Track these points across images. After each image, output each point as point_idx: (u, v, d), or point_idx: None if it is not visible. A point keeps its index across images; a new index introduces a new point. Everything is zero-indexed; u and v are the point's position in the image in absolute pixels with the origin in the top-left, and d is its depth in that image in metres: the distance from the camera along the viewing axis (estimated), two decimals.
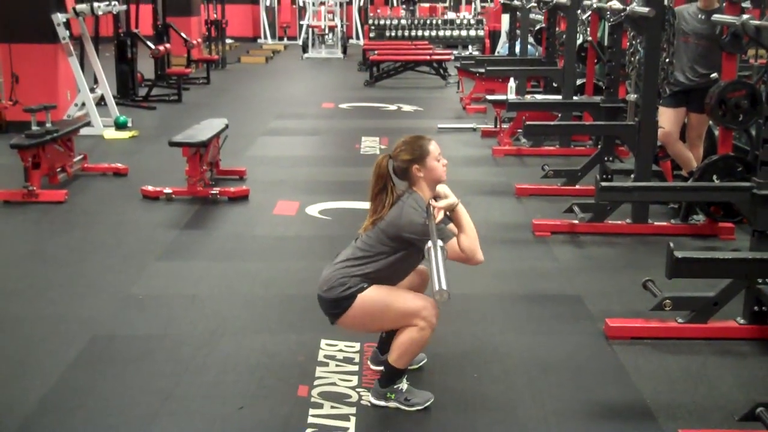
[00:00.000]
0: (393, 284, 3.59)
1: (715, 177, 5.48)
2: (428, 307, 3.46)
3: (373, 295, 3.46)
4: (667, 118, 6.23)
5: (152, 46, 12.62)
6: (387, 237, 3.48)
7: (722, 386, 3.83)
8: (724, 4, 5.72)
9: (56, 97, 9.33)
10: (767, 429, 3.09)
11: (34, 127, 7.03)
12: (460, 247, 3.42)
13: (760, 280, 4.20)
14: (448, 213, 3.51)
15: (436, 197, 3.54)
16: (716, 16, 5.38)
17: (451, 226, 3.53)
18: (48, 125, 7.23)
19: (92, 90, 10.29)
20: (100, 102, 10.47)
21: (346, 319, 3.52)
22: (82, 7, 9.78)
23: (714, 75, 5.90)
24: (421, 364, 3.93)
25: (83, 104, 9.81)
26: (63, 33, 9.47)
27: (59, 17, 9.41)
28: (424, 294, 3.64)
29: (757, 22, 4.37)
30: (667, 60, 5.95)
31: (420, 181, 3.56)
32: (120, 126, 9.97)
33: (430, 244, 3.19)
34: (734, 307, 4.34)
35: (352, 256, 3.53)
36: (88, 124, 9.07)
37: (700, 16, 6.08)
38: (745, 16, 4.57)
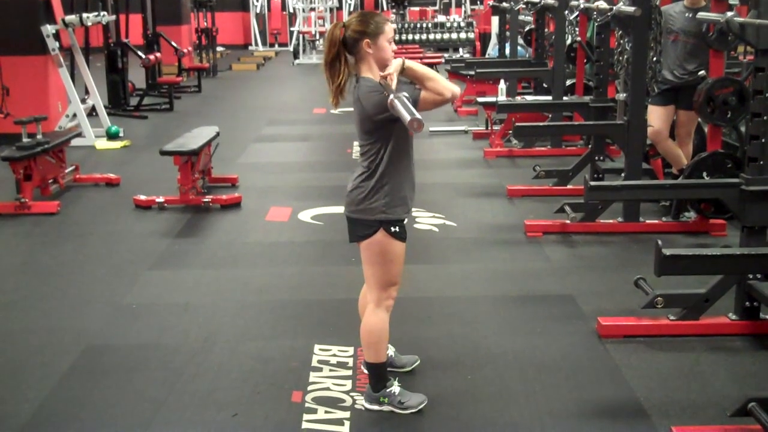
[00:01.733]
0: (407, 185, 3.52)
1: (704, 174, 5.50)
2: (395, 291, 3.55)
3: (397, 248, 3.49)
4: (657, 116, 6.25)
5: (143, 56, 12.61)
6: (368, 133, 3.43)
7: (715, 382, 3.84)
8: (710, 2, 5.74)
9: (47, 108, 9.32)
10: (760, 424, 3.09)
11: (25, 139, 7.04)
12: (432, 91, 3.35)
13: (750, 276, 4.21)
14: (403, 78, 3.40)
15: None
16: (702, 14, 5.40)
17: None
18: (39, 137, 7.23)
19: (83, 101, 10.30)
20: (92, 112, 10.48)
21: (364, 245, 3.51)
22: (71, 18, 9.78)
23: (702, 72, 5.92)
24: (414, 366, 3.94)
25: (74, 115, 9.82)
26: (53, 44, 9.48)
27: (49, 29, 9.42)
28: None
29: (741, 20, 4.38)
30: (655, 59, 5.98)
31: (368, 58, 3.44)
32: (111, 136, 9.97)
33: (391, 96, 3.20)
34: (726, 303, 4.36)
35: (359, 170, 3.50)
36: (80, 134, 9.08)
37: (686, 14, 6.10)
38: (730, 14, 4.58)
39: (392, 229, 3.46)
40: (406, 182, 3.52)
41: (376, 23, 3.43)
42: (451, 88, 3.39)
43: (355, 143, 9.55)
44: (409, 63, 3.41)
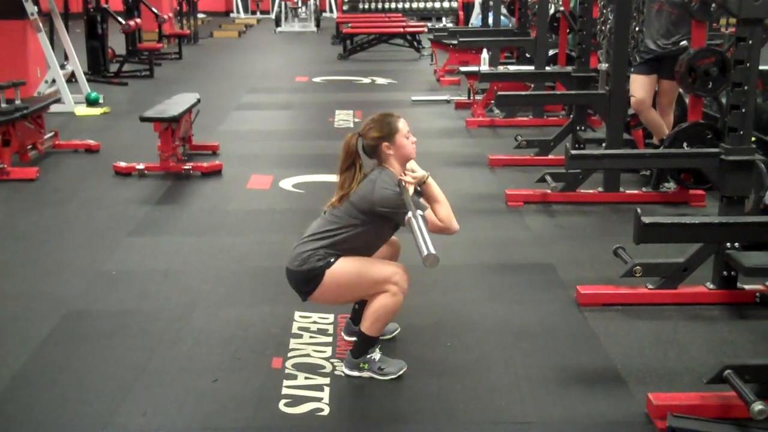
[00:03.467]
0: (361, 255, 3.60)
1: (685, 144, 5.51)
2: (399, 272, 3.49)
3: (342, 267, 3.48)
4: (640, 86, 6.25)
5: (123, 22, 12.50)
6: (358, 211, 3.49)
7: (692, 350, 3.87)
8: None
9: (26, 73, 9.24)
10: (735, 391, 3.13)
11: (4, 105, 6.95)
12: (437, 217, 3.47)
13: (728, 245, 4.24)
14: (419, 188, 3.54)
15: (406, 173, 3.57)
16: None
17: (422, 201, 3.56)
18: (18, 102, 7.16)
19: (62, 66, 10.21)
20: (71, 78, 10.39)
21: (318, 295, 3.53)
22: None
23: (684, 42, 5.92)
24: (394, 333, 3.95)
25: (53, 81, 9.73)
26: (31, 8, 9.37)
27: None
28: (397, 262, 3.66)
29: None
30: (637, 29, 5.97)
31: (390, 159, 3.57)
32: (91, 102, 9.89)
33: (410, 214, 3.23)
34: (704, 273, 4.39)
35: (321, 228, 3.53)
36: (59, 100, 8.99)
37: None
38: None
39: (332, 260, 3.48)
40: (366, 253, 3.61)
41: (389, 125, 3.55)
42: (454, 222, 3.52)
43: (338, 111, 9.53)
44: (431, 182, 3.54)
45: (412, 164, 3.61)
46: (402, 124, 3.58)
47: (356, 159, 3.57)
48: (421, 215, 3.25)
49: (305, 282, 3.52)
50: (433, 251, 2.98)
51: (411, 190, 3.47)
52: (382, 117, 3.61)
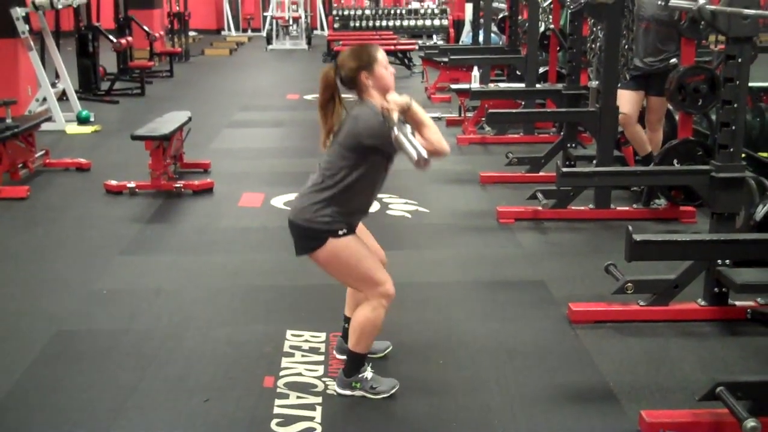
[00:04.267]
0: (361, 208, 3.55)
1: (675, 161, 5.54)
2: (388, 284, 3.48)
3: (347, 244, 3.44)
4: (626, 101, 6.26)
5: (114, 40, 12.49)
6: (348, 150, 3.41)
7: (684, 367, 3.88)
8: None
9: (17, 92, 9.23)
10: (727, 408, 3.13)
11: None
12: (426, 140, 3.35)
13: (719, 262, 4.25)
14: (402, 118, 3.40)
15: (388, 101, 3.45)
16: (674, 1, 5.43)
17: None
18: (8, 121, 7.16)
19: (53, 85, 10.20)
20: (62, 97, 10.37)
21: (315, 257, 3.49)
22: (41, 0, 9.64)
23: (673, 60, 5.96)
24: (386, 351, 3.94)
25: (44, 99, 9.71)
26: (22, 27, 9.36)
27: (18, 11, 9.29)
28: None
29: (713, 7, 4.40)
30: (627, 46, 6.00)
31: (369, 90, 3.46)
32: (82, 120, 9.88)
33: (395, 131, 3.20)
34: (695, 289, 4.40)
35: (318, 179, 3.47)
36: (50, 119, 8.99)
37: (658, 1, 6.11)
38: (702, 1, 4.60)
39: (340, 233, 3.43)
40: (358, 213, 3.55)
41: (367, 54, 3.46)
42: (443, 143, 3.40)
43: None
44: (415, 106, 3.42)
45: (392, 94, 3.47)
46: (381, 55, 3.49)
47: (335, 91, 3.48)
48: (410, 131, 3.23)
49: (307, 238, 3.47)
50: (425, 155, 3.03)
51: (395, 117, 3.34)
52: (360, 47, 3.53)
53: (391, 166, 3.53)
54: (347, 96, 3.54)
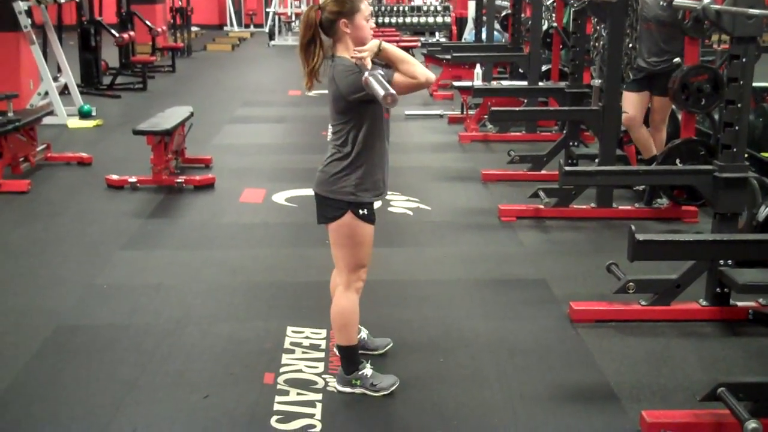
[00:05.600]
0: (380, 168, 3.49)
1: (678, 161, 5.53)
2: (365, 272, 3.55)
3: (366, 230, 3.46)
4: (631, 103, 6.26)
5: (116, 34, 12.48)
6: (342, 113, 3.39)
7: (685, 367, 3.87)
8: None
9: (18, 86, 9.21)
10: (729, 409, 3.12)
11: None
12: (407, 75, 3.32)
13: (721, 262, 4.24)
14: (378, 60, 3.37)
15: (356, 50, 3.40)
16: (678, 1, 5.41)
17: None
18: (10, 114, 7.16)
19: (55, 79, 10.18)
20: (64, 91, 10.37)
21: (332, 227, 3.49)
22: None
23: (677, 60, 5.94)
24: (386, 348, 3.94)
25: (46, 93, 9.71)
26: (25, 21, 9.34)
27: (21, 5, 9.27)
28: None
29: (717, 7, 4.39)
30: (631, 45, 5.99)
31: (345, 38, 3.41)
32: (84, 115, 9.87)
33: (366, 74, 3.18)
34: (696, 289, 4.39)
35: (331, 152, 3.46)
36: (52, 113, 8.98)
37: (661, 2, 6.10)
38: (706, 1, 4.59)
39: (360, 212, 3.44)
40: (379, 166, 3.49)
41: (351, 2, 3.39)
42: (426, 72, 3.35)
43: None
44: (386, 45, 3.37)
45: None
46: (364, 6, 3.44)
47: (316, 33, 3.41)
48: (380, 72, 3.21)
49: (330, 208, 3.47)
50: (391, 90, 3.05)
51: (369, 63, 3.29)
52: None
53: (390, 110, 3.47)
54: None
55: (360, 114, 3.38)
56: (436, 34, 19.08)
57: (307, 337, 4.12)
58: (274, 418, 3.39)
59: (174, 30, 16.90)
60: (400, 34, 17.05)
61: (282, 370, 3.79)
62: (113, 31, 12.44)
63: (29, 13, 9.46)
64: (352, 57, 3.34)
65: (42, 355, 3.94)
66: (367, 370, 3.58)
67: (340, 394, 3.57)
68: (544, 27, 9.14)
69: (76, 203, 6.54)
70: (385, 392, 3.55)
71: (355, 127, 3.39)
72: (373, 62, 3.31)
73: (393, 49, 3.38)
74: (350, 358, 3.58)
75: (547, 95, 8.40)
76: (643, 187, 6.28)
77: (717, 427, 3.23)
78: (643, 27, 6.18)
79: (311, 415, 3.41)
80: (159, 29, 15.02)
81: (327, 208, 3.49)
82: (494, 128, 9.00)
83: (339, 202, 3.43)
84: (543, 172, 7.08)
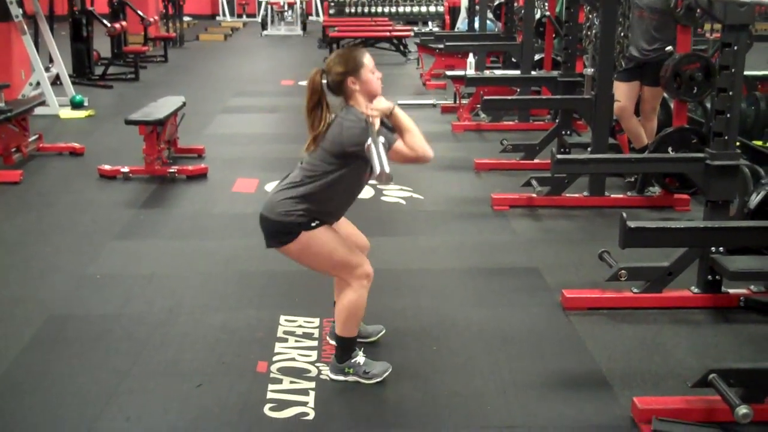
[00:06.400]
0: (337, 211, 3.56)
1: (670, 149, 5.54)
2: (365, 266, 3.49)
3: (320, 235, 3.43)
4: (622, 93, 6.26)
5: (108, 24, 12.45)
6: (331, 155, 3.40)
7: (676, 354, 3.88)
8: None
9: (10, 76, 9.18)
10: (720, 395, 3.13)
11: None
12: (408, 146, 3.37)
13: (713, 249, 4.26)
14: (387, 121, 3.43)
15: (370, 107, 3.45)
16: None
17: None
18: (1, 105, 7.13)
19: (47, 69, 10.15)
20: (56, 81, 10.34)
21: (286, 250, 3.49)
22: None
23: (669, 48, 5.94)
24: (379, 335, 3.95)
25: (38, 83, 9.68)
26: (16, 11, 9.31)
27: None
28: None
29: None
30: (623, 34, 5.99)
31: (355, 95, 3.45)
32: (76, 105, 9.85)
33: (369, 141, 3.21)
34: (688, 277, 4.41)
35: (297, 178, 3.46)
36: (43, 103, 8.94)
37: None
38: None
39: (312, 224, 3.43)
40: (332, 215, 3.55)
41: (354, 59, 3.44)
42: (425, 148, 3.40)
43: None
44: (398, 111, 3.42)
45: (379, 100, 3.47)
46: (367, 59, 3.47)
47: (322, 96, 3.45)
48: (383, 142, 3.23)
49: (279, 233, 3.46)
50: (387, 170, 3.06)
51: (377, 123, 3.35)
52: (347, 51, 3.52)
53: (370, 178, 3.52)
54: None
55: (346, 163, 3.41)
56: (429, 23, 19.09)
57: (300, 326, 4.13)
58: (267, 406, 3.39)
59: (166, 20, 16.85)
60: (393, 23, 17.01)
61: (275, 358, 3.79)
62: (105, 21, 12.41)
63: (20, 2, 9.43)
64: (365, 113, 3.38)
65: (34, 344, 3.94)
66: (360, 358, 3.59)
67: (333, 382, 3.58)
68: (537, 16, 9.13)
69: (68, 193, 6.53)
70: (378, 379, 3.56)
71: (334, 171, 3.41)
72: (381, 122, 3.36)
73: (403, 117, 3.43)
74: (346, 348, 3.58)
75: (540, 84, 8.41)
76: (636, 176, 6.30)
77: (708, 412, 3.25)
78: (636, 14, 6.18)
79: (304, 403, 3.42)
80: (151, 19, 14.98)
81: (276, 234, 3.48)
82: (487, 117, 9.01)
83: (290, 225, 3.42)
84: (536, 160, 7.09)
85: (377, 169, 3.08)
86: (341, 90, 3.46)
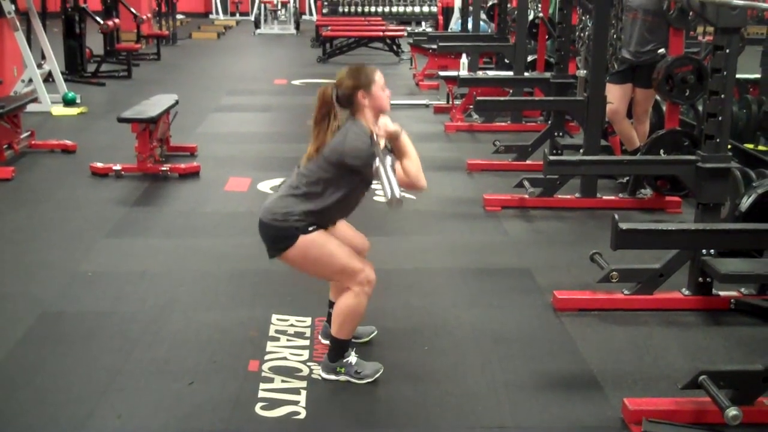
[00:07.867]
0: (334, 221, 3.59)
1: (662, 151, 5.56)
2: (367, 271, 3.49)
3: (317, 239, 3.44)
4: (614, 95, 6.27)
5: (101, 21, 12.41)
6: (329, 164, 3.43)
7: (667, 356, 3.90)
8: None
9: (2, 72, 9.17)
10: (710, 396, 3.15)
11: None
12: (405, 172, 3.41)
13: (704, 252, 4.28)
14: (389, 145, 3.47)
15: (379, 126, 3.50)
16: None
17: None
18: None
19: (39, 66, 10.12)
20: (48, 78, 10.30)
21: (286, 257, 3.49)
22: None
23: (661, 51, 5.97)
24: (371, 336, 3.95)
25: (30, 80, 9.65)
26: (9, 7, 9.28)
27: None
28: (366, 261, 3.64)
29: None
30: (615, 36, 6.01)
31: (364, 110, 3.50)
32: (68, 102, 9.83)
33: (377, 162, 3.23)
34: (679, 279, 4.42)
35: (295, 184, 3.48)
36: (36, 100, 8.93)
37: None
38: None
39: (310, 228, 3.44)
40: (330, 221, 3.57)
41: (366, 75, 3.50)
42: (420, 177, 3.44)
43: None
44: (405, 138, 3.47)
45: (385, 119, 3.52)
46: (378, 76, 3.53)
47: (331, 108, 3.49)
48: (390, 164, 3.24)
49: (277, 239, 3.47)
50: (398, 195, 3.06)
51: (382, 143, 3.40)
52: (359, 67, 3.56)
53: (367, 192, 3.59)
54: None
55: (343, 175, 3.44)
56: (423, 23, 19.09)
57: (292, 325, 4.13)
58: (259, 405, 3.40)
59: (159, 18, 16.82)
60: (386, 23, 17.01)
61: (267, 357, 3.79)
62: (98, 18, 12.38)
63: None
64: (371, 129, 3.43)
65: (26, 342, 3.93)
66: (352, 358, 3.59)
67: (325, 382, 3.58)
68: (530, 17, 9.14)
69: (60, 191, 6.52)
70: (369, 380, 3.57)
71: (331, 180, 3.45)
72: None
73: (407, 144, 3.48)
74: (341, 349, 3.59)
75: (533, 85, 8.42)
76: (627, 178, 6.31)
77: (698, 414, 3.26)
78: (629, 16, 6.20)
79: (296, 402, 3.42)
80: (144, 17, 14.95)
81: (275, 239, 3.48)
82: (480, 118, 9.01)
83: (288, 230, 3.43)
84: (528, 162, 7.10)
85: (388, 195, 3.07)
86: (350, 103, 3.51)
